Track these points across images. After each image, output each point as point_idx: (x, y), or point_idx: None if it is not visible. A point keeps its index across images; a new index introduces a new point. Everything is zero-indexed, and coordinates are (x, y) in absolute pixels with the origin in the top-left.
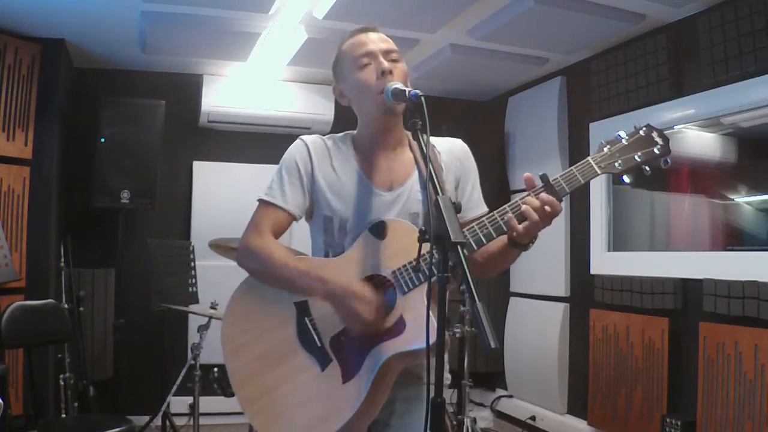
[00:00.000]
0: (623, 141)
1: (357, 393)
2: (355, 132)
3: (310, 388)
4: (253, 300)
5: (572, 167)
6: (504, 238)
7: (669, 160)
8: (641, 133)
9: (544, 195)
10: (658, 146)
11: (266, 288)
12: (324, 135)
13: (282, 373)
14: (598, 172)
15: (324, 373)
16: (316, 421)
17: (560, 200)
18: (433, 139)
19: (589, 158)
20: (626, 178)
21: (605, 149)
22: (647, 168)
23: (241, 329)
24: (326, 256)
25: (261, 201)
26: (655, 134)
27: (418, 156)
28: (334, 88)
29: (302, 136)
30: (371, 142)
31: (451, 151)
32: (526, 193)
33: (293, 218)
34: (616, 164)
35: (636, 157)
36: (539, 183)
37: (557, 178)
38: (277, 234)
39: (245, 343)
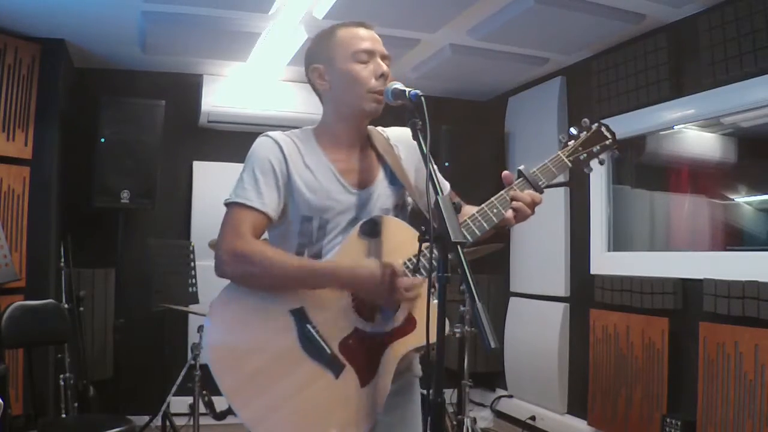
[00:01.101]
0: (582, 135)
1: (381, 393)
2: (313, 127)
3: (326, 397)
4: (239, 311)
5: (546, 161)
6: None
7: (617, 152)
8: (593, 128)
9: (529, 191)
10: (609, 140)
11: (251, 297)
12: (285, 132)
13: (290, 387)
14: (569, 164)
15: (339, 379)
16: (340, 429)
17: (542, 191)
18: (381, 129)
19: (559, 152)
20: (586, 168)
21: (570, 143)
22: (603, 158)
23: (233, 344)
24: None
25: (234, 204)
26: (604, 129)
27: (382, 153)
28: (315, 69)
29: (268, 133)
30: (338, 138)
31: (404, 140)
32: (508, 187)
33: (270, 221)
34: (581, 157)
35: (594, 150)
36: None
37: (535, 172)
38: (257, 239)
39: (240, 358)
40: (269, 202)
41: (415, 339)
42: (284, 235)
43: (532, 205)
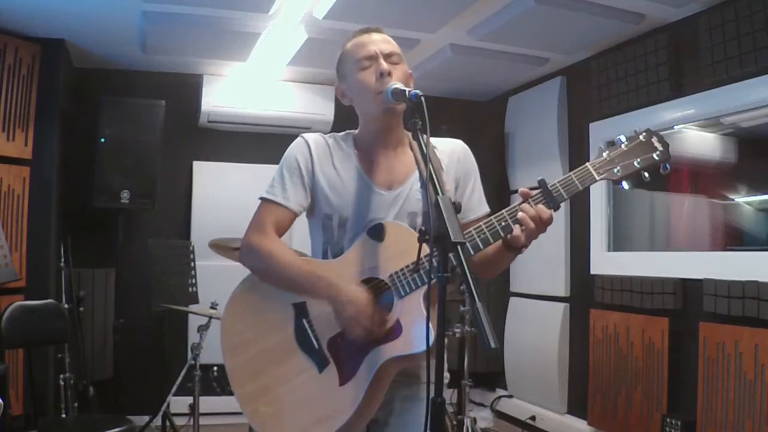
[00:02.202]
0: (623, 146)
1: (354, 395)
2: (356, 131)
3: (307, 389)
4: (252, 299)
5: (571, 173)
6: (500, 242)
7: (668, 166)
8: (641, 138)
9: (540, 205)
10: (658, 152)
11: (266, 288)
12: (325, 134)
13: (280, 374)
14: (597, 178)
15: (321, 374)
16: (313, 422)
17: (558, 207)
18: (434, 140)
19: (587, 164)
20: (625, 184)
21: (604, 154)
22: (646, 174)
23: (240, 328)
24: (325, 254)
25: (262, 199)
26: (654, 139)
27: (418, 156)
28: (337, 88)
29: (304, 134)
30: (372, 141)
31: (451, 152)
32: (523, 200)
33: (294, 215)
34: (615, 170)
35: (635, 163)
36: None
37: (555, 184)
38: (280, 232)
39: (244, 342)
40: (293, 198)
41: (400, 346)
42: (314, 233)
43: (538, 219)
